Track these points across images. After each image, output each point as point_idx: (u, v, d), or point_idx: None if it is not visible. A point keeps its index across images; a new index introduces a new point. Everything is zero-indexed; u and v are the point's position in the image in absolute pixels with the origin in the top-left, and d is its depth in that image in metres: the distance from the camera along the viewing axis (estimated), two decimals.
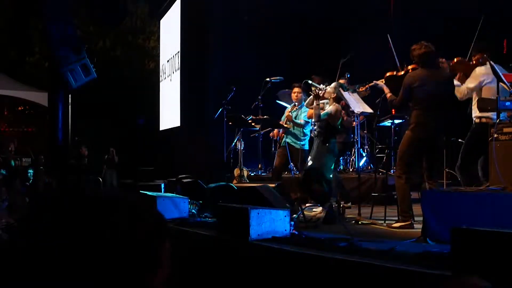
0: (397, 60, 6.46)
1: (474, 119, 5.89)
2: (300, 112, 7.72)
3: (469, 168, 5.82)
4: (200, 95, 10.84)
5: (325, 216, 6.02)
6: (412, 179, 5.61)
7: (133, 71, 16.27)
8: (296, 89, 7.87)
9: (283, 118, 8.05)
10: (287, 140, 7.73)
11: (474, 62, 5.97)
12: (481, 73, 5.79)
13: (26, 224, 1.12)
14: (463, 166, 5.83)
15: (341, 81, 7.62)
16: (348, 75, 7.86)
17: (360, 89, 6.49)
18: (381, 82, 6.06)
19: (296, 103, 7.88)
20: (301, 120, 7.67)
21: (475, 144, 5.77)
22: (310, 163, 6.74)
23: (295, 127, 7.73)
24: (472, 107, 5.93)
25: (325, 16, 10.31)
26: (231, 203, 5.15)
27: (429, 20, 8.85)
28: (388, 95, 5.79)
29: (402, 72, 5.84)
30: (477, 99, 5.83)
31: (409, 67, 5.74)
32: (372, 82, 6.29)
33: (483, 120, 5.70)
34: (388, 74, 6.07)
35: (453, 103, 5.80)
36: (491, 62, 5.37)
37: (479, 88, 5.79)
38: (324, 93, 6.81)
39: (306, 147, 7.78)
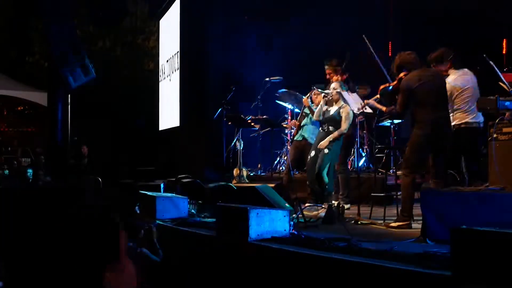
0: (385, 72, 6.45)
1: (454, 126, 5.98)
2: None
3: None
4: (199, 95, 10.83)
5: (325, 216, 6.03)
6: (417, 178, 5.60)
7: (133, 71, 16.26)
8: (316, 91, 7.77)
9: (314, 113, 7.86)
10: (304, 133, 7.63)
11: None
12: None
13: None
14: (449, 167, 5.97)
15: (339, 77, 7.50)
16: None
17: (361, 98, 6.46)
18: (372, 101, 6.12)
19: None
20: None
21: (457, 148, 5.91)
22: (312, 153, 6.73)
23: (313, 121, 7.60)
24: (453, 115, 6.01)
25: (326, 15, 10.30)
26: (231, 203, 5.15)
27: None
28: (384, 108, 5.83)
29: (395, 82, 5.79)
30: (473, 100, 5.91)
31: (401, 74, 5.68)
32: (364, 103, 6.31)
33: (462, 126, 5.97)
34: (382, 87, 6.04)
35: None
36: None
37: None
38: (331, 96, 6.78)
39: None
